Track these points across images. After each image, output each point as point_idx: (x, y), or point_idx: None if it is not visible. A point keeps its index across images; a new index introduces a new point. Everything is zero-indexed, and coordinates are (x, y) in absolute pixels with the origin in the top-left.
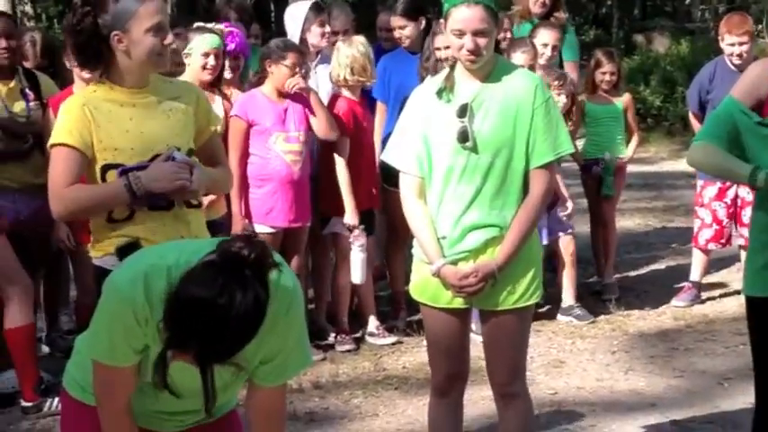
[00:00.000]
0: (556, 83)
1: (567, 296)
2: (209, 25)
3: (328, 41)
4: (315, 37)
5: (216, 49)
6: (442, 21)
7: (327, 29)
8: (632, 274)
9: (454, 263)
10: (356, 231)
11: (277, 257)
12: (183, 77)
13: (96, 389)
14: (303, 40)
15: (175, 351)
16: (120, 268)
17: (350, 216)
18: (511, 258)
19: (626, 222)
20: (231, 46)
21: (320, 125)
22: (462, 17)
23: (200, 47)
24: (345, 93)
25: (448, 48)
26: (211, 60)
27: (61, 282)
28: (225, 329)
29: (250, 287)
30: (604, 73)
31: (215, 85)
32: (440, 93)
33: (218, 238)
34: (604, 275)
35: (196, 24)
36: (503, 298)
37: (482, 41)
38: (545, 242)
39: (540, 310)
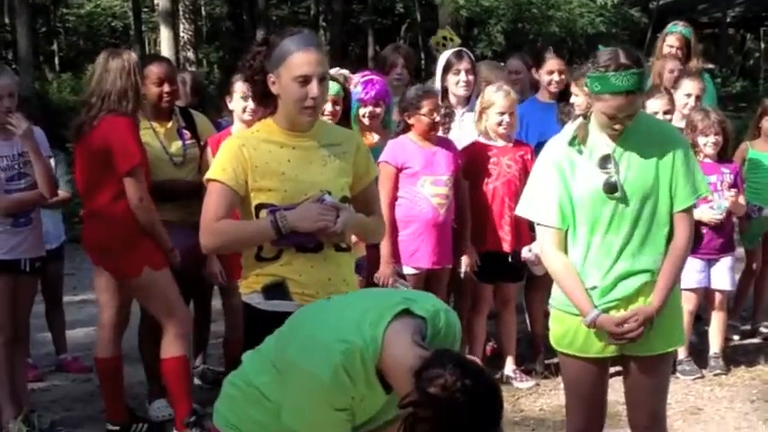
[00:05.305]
0: (716, 119)
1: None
2: (332, 71)
3: (465, 89)
4: (451, 84)
5: (332, 96)
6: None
7: (464, 77)
8: None
9: (605, 311)
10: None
11: (442, 304)
12: None
13: None
14: (444, 87)
15: None
16: (315, 361)
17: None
18: (665, 303)
19: None
20: (371, 93)
21: None
22: (617, 104)
23: None
24: (482, 140)
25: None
26: (328, 107)
27: (208, 316)
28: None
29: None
30: None
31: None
32: (572, 142)
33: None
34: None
35: None
36: (653, 343)
37: (629, 122)
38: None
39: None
